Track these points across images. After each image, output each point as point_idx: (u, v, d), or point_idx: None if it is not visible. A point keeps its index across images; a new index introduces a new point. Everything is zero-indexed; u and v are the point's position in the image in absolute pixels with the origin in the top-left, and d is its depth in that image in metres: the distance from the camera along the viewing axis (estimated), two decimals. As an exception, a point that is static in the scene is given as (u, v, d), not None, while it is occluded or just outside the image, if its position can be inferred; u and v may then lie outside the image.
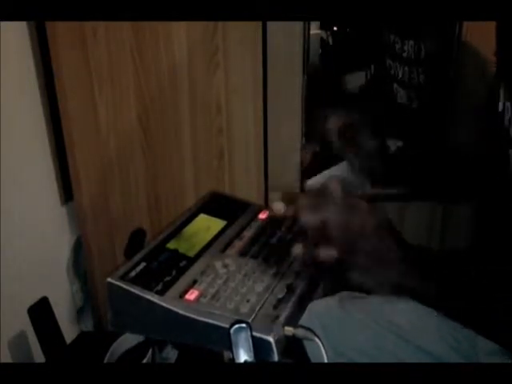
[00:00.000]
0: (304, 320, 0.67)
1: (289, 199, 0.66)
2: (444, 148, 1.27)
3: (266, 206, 1.15)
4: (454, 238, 1.27)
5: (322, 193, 0.64)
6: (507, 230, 0.70)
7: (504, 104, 0.67)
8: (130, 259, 0.71)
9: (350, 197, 0.64)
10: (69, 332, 1.31)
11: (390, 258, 0.61)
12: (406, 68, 1.40)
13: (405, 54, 1.39)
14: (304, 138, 1.20)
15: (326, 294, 0.98)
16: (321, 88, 1.46)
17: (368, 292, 0.68)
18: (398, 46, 1.39)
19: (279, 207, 0.65)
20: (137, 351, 1.10)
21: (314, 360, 0.83)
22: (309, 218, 0.61)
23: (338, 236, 0.60)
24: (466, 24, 1.16)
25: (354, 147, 0.85)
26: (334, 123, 0.81)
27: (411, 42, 1.36)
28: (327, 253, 0.60)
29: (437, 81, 1.35)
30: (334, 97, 1.58)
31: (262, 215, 0.83)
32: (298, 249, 0.63)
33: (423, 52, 1.35)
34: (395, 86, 1.45)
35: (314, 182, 1.34)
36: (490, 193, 0.77)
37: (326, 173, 1.38)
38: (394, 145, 1.24)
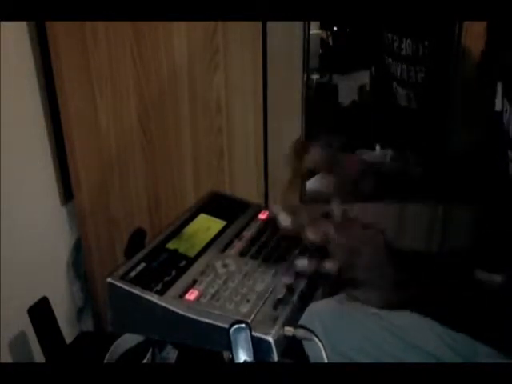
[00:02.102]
0: (304, 320, 0.67)
1: (290, 209, 0.68)
2: (443, 149, 1.27)
3: (266, 206, 1.15)
4: (455, 239, 1.27)
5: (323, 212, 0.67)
6: (507, 230, 0.70)
7: (502, 104, 0.67)
8: (130, 259, 0.71)
9: (348, 217, 0.67)
10: (69, 332, 1.31)
11: (386, 272, 0.63)
12: (405, 66, 1.40)
13: (403, 53, 1.39)
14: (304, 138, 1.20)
15: (325, 295, 0.98)
16: (321, 88, 1.47)
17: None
18: (396, 45, 1.40)
19: (284, 218, 0.66)
20: (137, 351, 1.10)
21: (313, 360, 0.83)
22: (312, 234, 0.63)
23: (337, 252, 0.62)
24: (465, 23, 1.16)
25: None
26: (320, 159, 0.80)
27: (409, 41, 1.36)
28: (328, 266, 0.62)
29: (435, 79, 1.35)
30: (334, 98, 1.58)
31: (262, 215, 0.83)
32: (300, 262, 0.65)
33: (421, 50, 1.35)
34: (395, 84, 1.45)
35: (313, 182, 1.34)
36: (490, 194, 0.77)
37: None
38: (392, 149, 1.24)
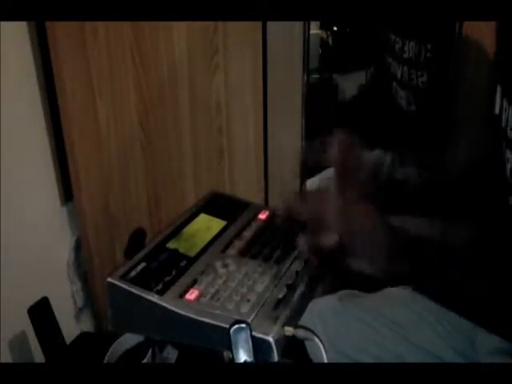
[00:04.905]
0: (305, 318, 0.67)
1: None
2: (443, 155, 1.27)
3: (266, 205, 1.15)
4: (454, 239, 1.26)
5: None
6: (504, 233, 0.70)
7: (502, 105, 0.67)
8: (130, 259, 0.71)
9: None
10: (69, 332, 1.31)
11: (384, 242, 0.62)
12: (406, 68, 1.40)
13: (405, 55, 1.38)
14: (304, 138, 1.20)
15: (326, 293, 0.98)
16: (321, 88, 1.46)
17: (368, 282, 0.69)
18: (398, 46, 1.39)
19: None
20: (137, 351, 1.10)
21: (314, 359, 0.83)
22: (306, 208, 0.63)
23: (334, 224, 0.62)
24: (465, 25, 1.16)
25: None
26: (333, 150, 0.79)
27: (412, 44, 1.36)
28: (326, 239, 0.62)
29: (436, 84, 1.34)
30: (334, 98, 1.58)
31: (262, 215, 0.83)
32: (300, 239, 0.65)
33: (423, 55, 1.34)
34: (395, 85, 1.45)
35: (313, 181, 1.34)
36: (488, 196, 0.77)
37: (326, 173, 1.38)
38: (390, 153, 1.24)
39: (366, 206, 0.63)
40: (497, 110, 0.69)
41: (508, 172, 0.67)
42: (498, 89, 0.68)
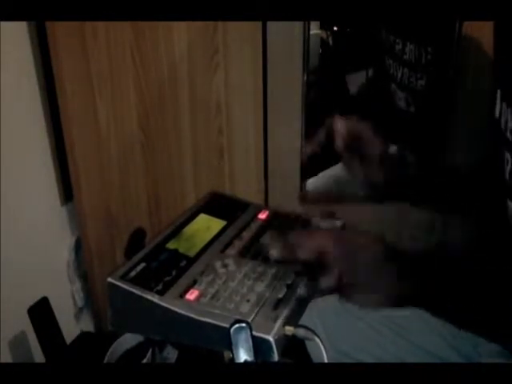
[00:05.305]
0: (305, 318, 0.67)
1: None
2: (441, 156, 1.27)
3: (266, 205, 1.15)
4: (454, 239, 1.26)
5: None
6: (503, 235, 0.70)
7: (501, 108, 0.67)
8: (130, 259, 0.71)
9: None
10: (69, 332, 1.31)
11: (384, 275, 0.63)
12: (406, 70, 1.39)
13: (405, 57, 1.38)
14: (304, 138, 1.20)
15: (326, 293, 0.98)
16: (321, 88, 1.46)
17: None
18: (398, 47, 1.39)
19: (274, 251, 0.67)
20: (137, 351, 1.10)
21: (314, 359, 0.83)
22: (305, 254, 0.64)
23: (334, 263, 0.62)
24: (465, 25, 1.16)
25: (356, 155, 0.85)
26: (336, 127, 0.81)
27: (412, 46, 1.35)
28: (326, 282, 0.63)
29: (436, 87, 1.34)
30: (333, 97, 1.58)
31: (262, 215, 0.83)
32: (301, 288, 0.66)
33: (424, 58, 1.34)
34: (393, 86, 1.45)
35: (313, 181, 1.34)
36: (487, 198, 0.77)
37: (326, 173, 1.38)
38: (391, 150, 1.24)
39: (367, 238, 0.64)
40: (497, 113, 0.69)
41: (507, 174, 0.67)
42: (498, 92, 0.68)
